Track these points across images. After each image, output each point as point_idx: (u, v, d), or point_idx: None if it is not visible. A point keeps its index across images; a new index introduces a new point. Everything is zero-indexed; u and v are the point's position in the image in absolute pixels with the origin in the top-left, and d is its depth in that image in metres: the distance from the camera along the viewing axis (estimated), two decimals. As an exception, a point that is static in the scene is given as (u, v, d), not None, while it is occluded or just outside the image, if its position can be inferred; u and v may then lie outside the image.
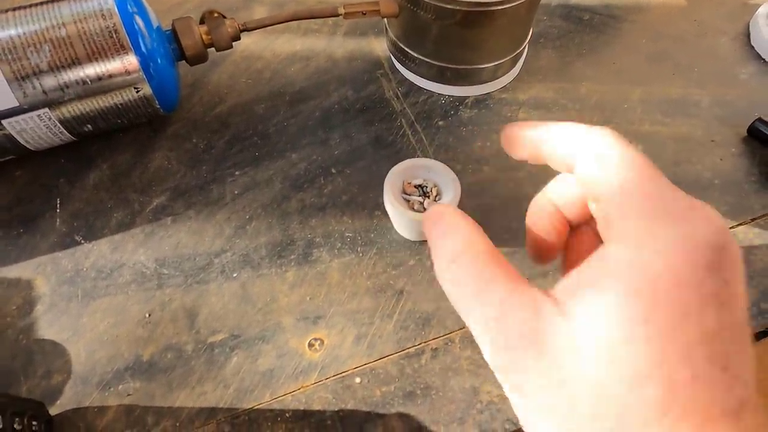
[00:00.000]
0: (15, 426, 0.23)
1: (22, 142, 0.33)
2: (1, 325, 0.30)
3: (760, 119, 0.39)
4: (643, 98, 0.42)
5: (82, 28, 0.32)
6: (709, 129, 0.40)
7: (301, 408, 0.28)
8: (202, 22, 0.37)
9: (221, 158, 0.38)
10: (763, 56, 0.45)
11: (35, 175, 0.36)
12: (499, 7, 0.35)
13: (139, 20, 0.33)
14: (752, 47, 0.46)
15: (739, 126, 0.40)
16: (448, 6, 0.34)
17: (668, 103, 0.42)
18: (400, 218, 0.32)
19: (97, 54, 0.32)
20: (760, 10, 0.46)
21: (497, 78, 0.41)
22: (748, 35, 0.47)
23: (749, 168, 0.38)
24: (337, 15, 0.38)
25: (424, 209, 0.32)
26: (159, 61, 0.34)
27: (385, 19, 0.42)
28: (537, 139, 0.19)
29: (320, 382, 0.29)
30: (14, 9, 0.32)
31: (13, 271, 0.32)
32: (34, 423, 0.24)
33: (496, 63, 0.40)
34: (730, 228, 0.35)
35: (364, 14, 0.38)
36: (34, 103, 0.31)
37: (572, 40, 0.46)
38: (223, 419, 0.28)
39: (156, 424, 0.27)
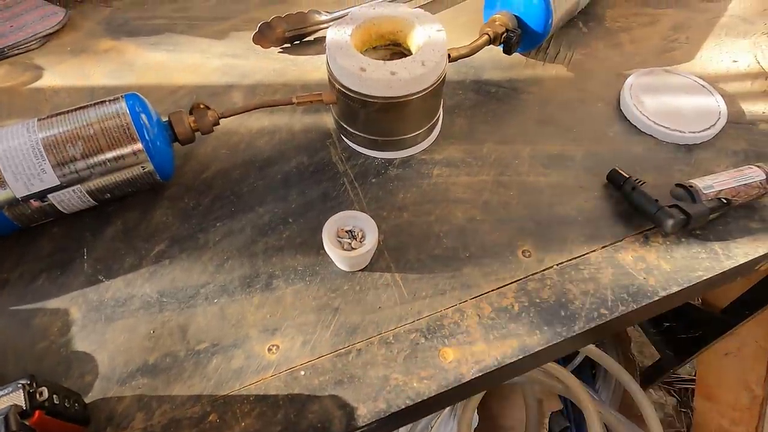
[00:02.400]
0: (65, 404, 0.34)
1: (60, 208, 0.45)
2: (48, 342, 0.42)
3: (615, 169, 0.51)
4: (531, 154, 0.55)
5: (105, 126, 0.44)
6: (579, 177, 0.53)
7: (261, 393, 0.39)
8: (190, 112, 0.50)
9: (206, 213, 0.50)
10: (627, 117, 0.58)
11: (68, 231, 0.48)
12: (407, 98, 0.48)
13: (144, 117, 0.46)
14: (620, 110, 0.59)
15: (603, 174, 0.52)
16: (368, 99, 0.47)
17: (549, 157, 0.54)
18: (334, 255, 0.44)
19: (114, 144, 0.45)
20: (627, 80, 0.60)
21: (418, 143, 0.54)
22: (619, 101, 0.60)
23: (605, 207, 0.50)
24: (292, 103, 0.51)
25: (353, 248, 0.44)
26: (158, 144, 0.47)
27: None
28: None
29: (275, 375, 0.40)
30: (57, 114, 0.45)
31: (54, 303, 0.44)
32: (76, 404, 0.36)
33: (415, 133, 0.53)
34: (587, 253, 0.47)
35: (312, 102, 0.51)
36: (70, 181, 0.44)
37: (480, 110, 0.59)
38: (206, 402, 0.39)
39: (159, 407, 0.39)
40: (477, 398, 0.92)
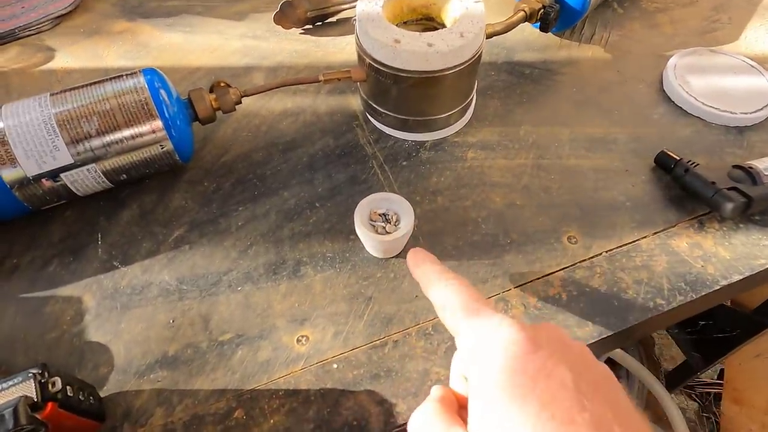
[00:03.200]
0: (80, 397, 0.31)
1: (73, 189, 0.42)
2: (59, 332, 0.39)
3: (663, 151, 0.48)
4: (571, 137, 0.51)
5: (122, 101, 0.42)
6: (624, 161, 0.49)
7: (291, 388, 0.36)
8: (211, 90, 0.47)
9: (227, 197, 0.47)
10: (672, 99, 0.54)
11: (81, 215, 0.45)
12: (444, 73, 0.44)
13: (163, 93, 0.43)
14: (664, 92, 0.55)
15: (649, 158, 0.49)
16: (402, 74, 0.44)
17: (591, 140, 0.51)
18: (367, 240, 0.41)
19: (132, 121, 0.42)
20: (670, 61, 0.56)
21: (450, 125, 0.51)
22: (662, 82, 0.56)
23: (655, 192, 0.47)
24: (318, 81, 0.48)
25: (387, 232, 0.41)
26: (178, 123, 0.44)
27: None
28: (423, 286, 0.29)
29: (306, 368, 0.37)
30: (71, 89, 0.42)
31: (66, 291, 0.41)
32: (90, 398, 0.33)
33: (448, 114, 0.49)
34: (638, 240, 0.44)
35: (339, 80, 0.48)
36: (84, 160, 0.41)
37: (514, 91, 0.55)
38: (231, 397, 0.36)
39: (180, 402, 0.36)
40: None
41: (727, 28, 0.63)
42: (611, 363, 1.11)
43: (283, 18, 0.60)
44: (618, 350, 0.97)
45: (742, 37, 0.61)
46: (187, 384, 0.36)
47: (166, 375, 0.37)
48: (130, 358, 0.38)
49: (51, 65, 0.58)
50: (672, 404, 0.87)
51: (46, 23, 0.61)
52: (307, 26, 0.62)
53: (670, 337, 1.15)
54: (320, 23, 0.63)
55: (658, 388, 0.89)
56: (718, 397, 1.31)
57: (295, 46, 0.61)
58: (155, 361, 0.38)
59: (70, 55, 0.59)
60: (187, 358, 0.38)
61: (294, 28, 0.62)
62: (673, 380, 1.14)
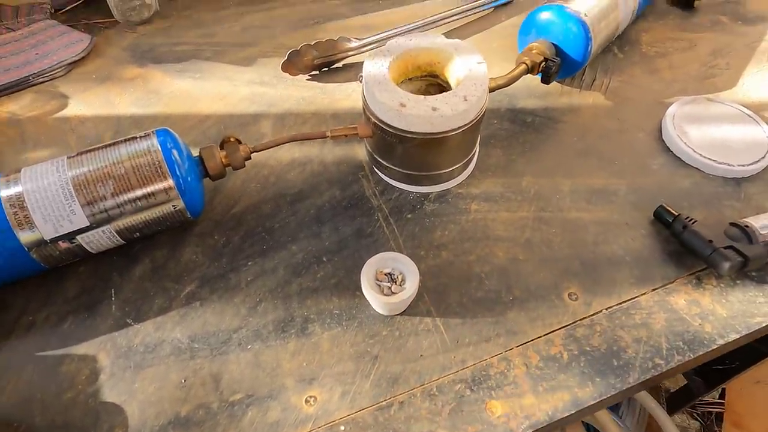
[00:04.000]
0: (97, 467, 0.33)
1: (88, 249, 0.44)
2: (75, 392, 0.40)
3: (662, 206, 0.49)
4: (572, 189, 0.52)
5: (136, 164, 0.43)
6: (624, 213, 0.51)
7: (300, 450, 0.37)
8: (221, 146, 0.48)
9: (237, 251, 0.48)
10: (671, 149, 0.56)
11: (95, 271, 0.47)
12: (448, 134, 0.46)
13: (175, 153, 0.44)
14: (663, 141, 0.57)
15: (649, 210, 0.50)
16: (407, 135, 0.45)
17: (592, 192, 0.52)
18: (374, 300, 0.42)
19: (145, 181, 0.43)
20: (669, 110, 0.58)
21: (454, 178, 0.52)
22: (661, 131, 0.57)
23: (654, 246, 0.48)
24: (326, 137, 0.49)
25: (392, 292, 0.42)
26: (190, 181, 0.45)
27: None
28: None
29: (314, 430, 0.38)
30: (86, 151, 0.43)
31: (81, 349, 0.42)
32: (107, 465, 0.34)
33: (451, 168, 0.51)
34: (637, 296, 0.45)
35: (347, 136, 0.49)
36: (99, 222, 0.42)
37: (517, 140, 0.57)
38: (242, 460, 0.37)
39: (192, 465, 0.37)
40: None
41: (725, 74, 0.64)
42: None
43: (290, 66, 0.62)
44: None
45: (740, 83, 0.63)
46: (199, 446, 0.38)
47: (178, 437, 0.38)
48: (144, 418, 0.39)
49: (65, 113, 0.60)
50: (674, 430, 0.87)
51: (59, 70, 0.63)
52: (314, 72, 0.64)
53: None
54: (326, 69, 0.64)
55: (659, 412, 0.89)
56: (720, 417, 1.31)
57: (302, 93, 0.62)
58: (168, 422, 0.39)
59: (83, 103, 0.61)
60: (199, 419, 0.39)
61: (300, 75, 0.63)
62: (675, 403, 1.15)
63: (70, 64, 0.64)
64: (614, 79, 0.63)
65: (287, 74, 0.63)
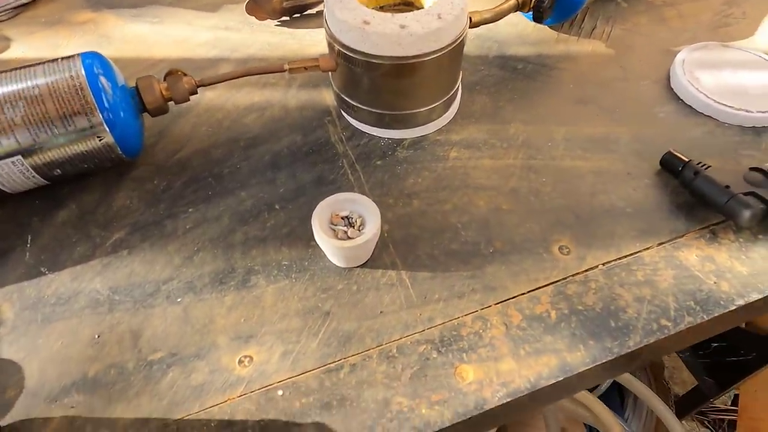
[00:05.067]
0: (-40, 427, 0.26)
1: (0, 187, 0.38)
2: (-34, 346, 0.34)
3: (670, 152, 0.42)
4: (566, 137, 0.46)
5: (53, 87, 0.37)
6: (626, 163, 0.44)
7: (226, 418, 0.31)
8: (164, 79, 0.42)
9: (178, 197, 0.42)
10: (681, 97, 0.49)
11: (12, 215, 0.41)
12: (420, 60, 0.39)
13: (103, 80, 0.38)
14: (672, 89, 0.50)
15: (654, 160, 0.43)
16: (374, 61, 0.39)
17: (590, 140, 0.46)
18: (326, 246, 0.36)
19: (64, 109, 0.37)
20: (678, 56, 0.51)
21: (432, 121, 0.46)
22: (669, 79, 0.51)
23: (660, 197, 0.41)
24: (284, 70, 0.43)
25: (349, 237, 0.36)
26: (121, 114, 0.39)
27: (330, 73, 0.47)
28: None
29: (245, 395, 0.32)
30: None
31: (-18, 299, 0.36)
32: (-20, 428, 0.28)
33: (428, 108, 0.44)
34: (640, 251, 0.38)
35: (306, 69, 0.43)
36: (9, 153, 0.36)
37: (506, 87, 0.50)
38: (155, 427, 0.30)
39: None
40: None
41: (741, 23, 0.57)
42: (617, 387, 1.04)
43: (255, 8, 0.56)
44: (625, 375, 0.90)
45: (758, 32, 0.56)
46: (105, 411, 0.31)
47: (82, 400, 0.32)
48: (44, 379, 0.32)
49: (5, 55, 0.54)
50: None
51: (4, 13, 0.57)
52: (284, 18, 0.58)
53: (680, 359, 1.08)
54: (298, 15, 0.58)
55: (668, 416, 0.82)
56: (732, 425, 1.23)
57: (269, 38, 0.56)
58: (72, 383, 0.32)
59: (27, 45, 0.55)
60: (109, 380, 0.32)
61: (269, 20, 0.57)
62: (684, 406, 1.07)
63: (16, 8, 0.58)
64: (617, 27, 0.57)
65: (254, 18, 0.57)
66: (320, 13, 0.59)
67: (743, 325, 1.04)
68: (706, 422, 1.26)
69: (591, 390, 1.04)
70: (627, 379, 0.91)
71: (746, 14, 0.58)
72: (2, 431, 0.30)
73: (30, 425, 0.31)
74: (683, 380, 1.28)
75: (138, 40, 0.56)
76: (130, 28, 0.57)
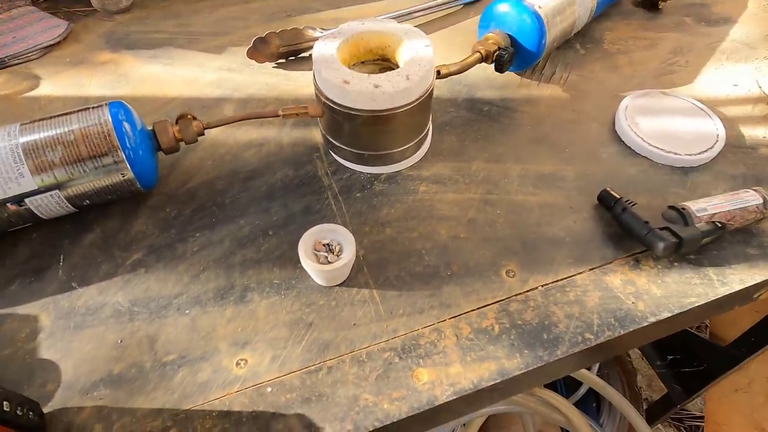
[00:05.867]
0: (17, 413, 0.33)
1: (37, 213, 0.45)
2: (14, 348, 0.41)
3: (605, 190, 0.50)
4: (521, 174, 0.53)
5: (85, 133, 0.44)
6: (570, 198, 0.51)
7: (225, 409, 0.38)
8: (177, 122, 0.50)
9: (187, 223, 0.49)
10: (622, 139, 0.57)
11: (46, 237, 0.48)
12: (392, 112, 0.47)
13: (126, 125, 0.46)
14: (616, 132, 0.58)
15: (594, 196, 0.51)
16: (353, 112, 0.47)
17: (540, 177, 0.53)
18: (310, 268, 0.43)
19: (94, 150, 0.44)
20: (623, 102, 0.59)
21: (405, 159, 0.53)
22: (614, 122, 0.58)
23: (595, 228, 0.49)
24: (278, 116, 0.51)
25: (329, 262, 0.43)
26: (140, 153, 0.46)
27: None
28: None
29: (241, 391, 0.39)
30: (39, 119, 0.45)
31: (24, 309, 0.43)
32: (30, 413, 0.35)
33: (401, 149, 0.52)
34: (574, 275, 0.45)
35: (298, 115, 0.51)
36: (48, 187, 0.44)
37: (471, 128, 0.58)
38: (167, 417, 0.38)
39: (118, 420, 0.38)
40: (475, 427, 0.89)
41: (683, 71, 0.65)
42: (594, 393, 1.11)
43: (256, 53, 0.63)
44: (598, 380, 0.97)
45: (697, 80, 0.64)
46: (127, 402, 0.38)
47: (108, 393, 0.39)
48: (77, 375, 0.40)
49: (35, 93, 0.62)
50: (649, 437, 0.86)
51: (34, 53, 0.65)
52: (281, 60, 0.66)
53: (652, 368, 1.15)
54: (292, 58, 0.66)
55: (639, 421, 0.89)
56: (704, 431, 1.29)
57: (267, 79, 0.64)
58: (100, 379, 0.40)
59: (54, 84, 0.63)
60: (131, 377, 0.40)
61: (267, 62, 0.65)
62: (656, 412, 1.14)
63: (45, 48, 0.66)
64: (574, 73, 0.65)
65: (254, 61, 0.64)
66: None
67: (707, 334, 1.11)
68: (682, 428, 1.33)
69: (567, 396, 1.11)
70: (601, 385, 0.98)
71: (689, 63, 0.66)
72: (44, 417, 0.37)
73: (67, 413, 0.38)
74: (661, 388, 1.35)
75: (153, 80, 0.63)
76: (146, 68, 0.65)
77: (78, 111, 0.46)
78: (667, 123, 0.57)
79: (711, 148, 0.54)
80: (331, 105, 0.47)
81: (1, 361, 0.40)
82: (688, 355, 0.99)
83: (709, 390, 1.01)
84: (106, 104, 0.47)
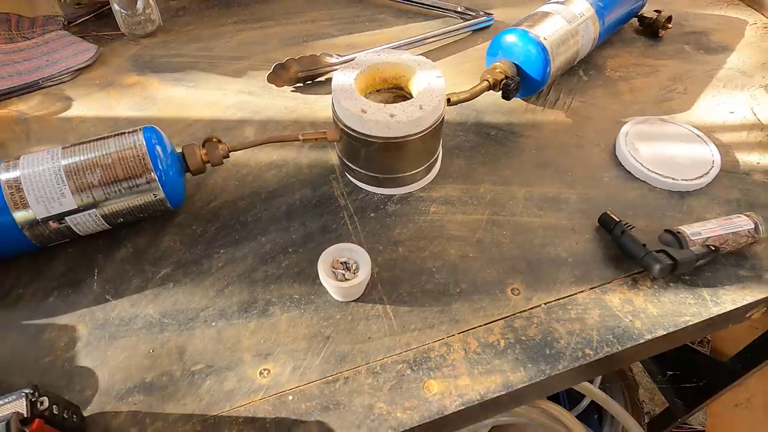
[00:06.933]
0: (64, 415, 0.37)
1: (75, 230, 0.49)
2: (53, 356, 0.44)
3: (606, 213, 0.53)
4: (526, 196, 0.57)
5: (122, 155, 0.48)
6: (572, 220, 0.54)
7: (250, 416, 0.41)
8: (203, 145, 0.53)
9: (212, 240, 0.53)
10: (622, 164, 0.60)
11: (82, 252, 0.51)
12: (406, 139, 0.50)
13: (158, 149, 0.49)
14: (616, 157, 0.61)
15: (595, 218, 0.54)
16: (369, 139, 0.50)
17: (545, 200, 0.56)
18: (328, 285, 0.46)
19: (129, 172, 0.48)
20: (623, 128, 0.62)
21: (416, 181, 0.57)
22: (615, 147, 0.62)
23: (596, 250, 0.52)
24: (299, 140, 0.54)
25: (346, 279, 0.46)
26: (171, 174, 0.50)
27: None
28: None
29: (264, 399, 0.42)
30: (80, 143, 0.49)
31: (63, 320, 0.47)
32: (74, 417, 0.38)
33: (413, 172, 0.55)
34: (575, 294, 0.48)
35: (317, 140, 0.54)
36: (86, 206, 0.47)
37: (479, 151, 0.61)
38: (197, 422, 0.41)
39: (152, 424, 0.41)
40: (479, 437, 0.91)
41: (682, 98, 0.68)
42: (597, 406, 1.13)
43: (275, 78, 0.67)
44: (600, 393, 0.99)
45: (695, 106, 0.67)
46: (159, 408, 0.41)
47: (142, 399, 0.42)
48: (113, 382, 0.43)
49: (68, 113, 0.66)
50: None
51: (66, 75, 0.69)
52: (298, 84, 0.69)
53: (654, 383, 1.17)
54: (310, 82, 0.70)
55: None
56: (705, 445, 1.30)
57: (286, 103, 0.67)
58: (134, 386, 0.43)
59: (85, 105, 0.67)
60: (162, 384, 0.43)
61: (286, 86, 0.69)
62: (657, 425, 1.16)
63: (76, 70, 0.70)
64: (576, 99, 0.68)
65: (273, 85, 0.68)
66: (328, 80, 0.70)
67: (707, 350, 1.13)
68: (684, 442, 1.34)
69: (570, 408, 1.13)
70: (603, 398, 1.00)
71: (687, 90, 0.69)
72: (84, 420, 0.40)
73: (104, 416, 0.41)
74: (663, 401, 1.36)
75: (178, 102, 0.67)
76: (171, 91, 0.69)
77: (114, 135, 0.49)
78: (665, 149, 0.60)
79: (707, 173, 0.57)
80: (349, 131, 0.51)
81: (42, 367, 0.44)
82: (689, 370, 1.01)
83: (710, 404, 1.03)
84: (140, 129, 0.50)
